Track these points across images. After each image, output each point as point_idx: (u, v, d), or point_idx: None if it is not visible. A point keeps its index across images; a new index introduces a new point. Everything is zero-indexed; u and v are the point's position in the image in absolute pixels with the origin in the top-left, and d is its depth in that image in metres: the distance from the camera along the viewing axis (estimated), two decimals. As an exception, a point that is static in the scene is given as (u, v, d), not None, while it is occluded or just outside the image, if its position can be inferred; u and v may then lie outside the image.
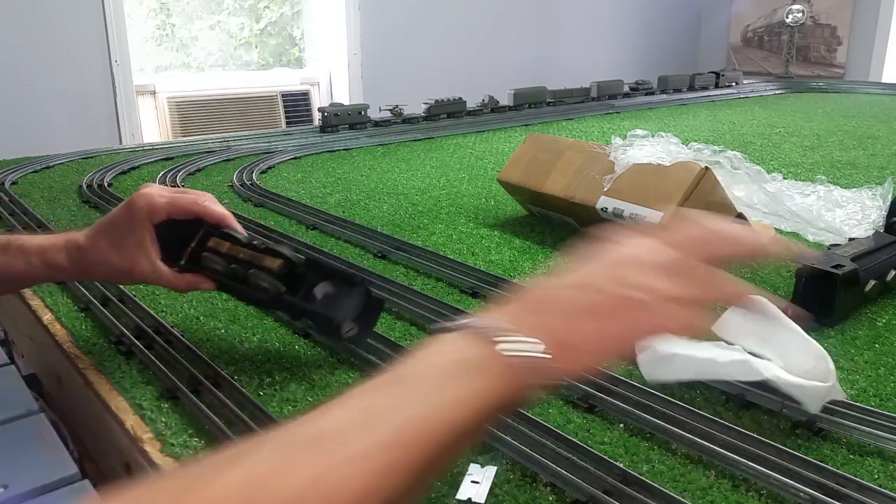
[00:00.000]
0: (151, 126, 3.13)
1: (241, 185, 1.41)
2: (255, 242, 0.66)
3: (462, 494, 0.49)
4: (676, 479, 0.52)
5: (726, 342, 0.64)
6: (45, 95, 2.75)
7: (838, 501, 0.48)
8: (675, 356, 0.62)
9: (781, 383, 0.56)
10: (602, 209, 0.98)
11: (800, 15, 4.58)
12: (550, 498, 0.49)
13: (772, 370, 0.56)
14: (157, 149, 1.82)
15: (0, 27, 2.61)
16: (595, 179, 1.01)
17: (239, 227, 0.69)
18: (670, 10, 5.06)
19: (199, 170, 1.58)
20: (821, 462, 0.51)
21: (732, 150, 1.10)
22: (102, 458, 0.68)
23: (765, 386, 0.58)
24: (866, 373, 0.67)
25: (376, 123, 2.19)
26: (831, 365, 0.55)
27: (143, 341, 0.72)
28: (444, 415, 0.34)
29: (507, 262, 0.99)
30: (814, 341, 0.57)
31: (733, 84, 3.37)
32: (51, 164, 1.61)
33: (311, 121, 3.46)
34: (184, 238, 0.68)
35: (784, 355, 0.58)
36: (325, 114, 2.08)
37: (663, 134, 1.09)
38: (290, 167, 1.64)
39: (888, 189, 1.15)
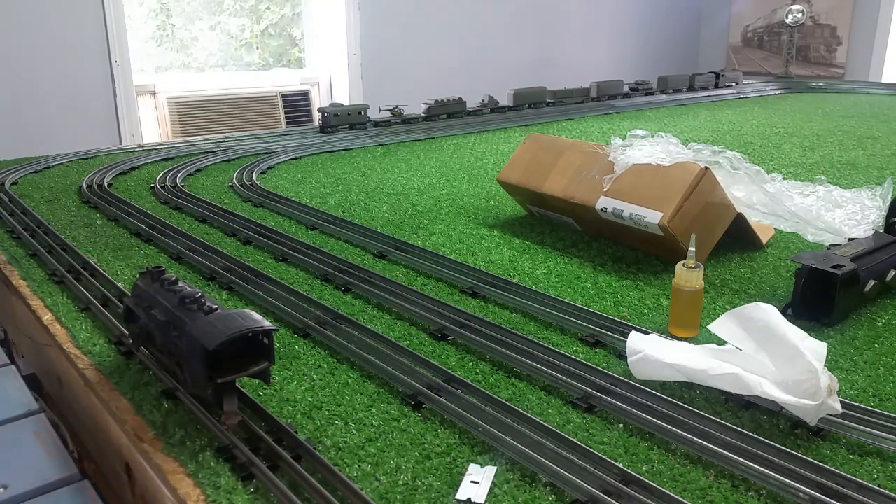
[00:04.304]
0: (151, 126, 3.12)
1: (241, 186, 1.41)
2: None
3: (462, 494, 0.49)
4: (676, 479, 0.52)
5: (721, 341, 0.64)
6: (45, 95, 2.75)
7: (838, 501, 0.48)
8: (666, 365, 0.62)
9: (771, 398, 0.56)
10: (602, 209, 0.98)
11: (800, 15, 4.58)
12: (550, 498, 0.49)
13: (762, 386, 0.56)
14: (157, 149, 1.82)
15: (0, 27, 2.61)
16: (595, 179, 1.01)
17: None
18: (670, 10, 5.06)
19: (199, 170, 1.58)
20: (821, 462, 0.52)
21: (732, 150, 1.10)
22: (102, 458, 0.68)
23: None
24: (866, 373, 0.67)
25: (376, 123, 2.20)
26: (823, 382, 0.54)
27: (143, 341, 0.72)
28: None
29: (507, 262, 0.99)
30: (809, 356, 0.56)
31: (733, 84, 3.37)
32: (51, 164, 1.61)
33: (311, 121, 3.46)
34: None
35: (776, 364, 0.58)
36: (325, 114, 2.08)
37: (663, 134, 1.09)
38: (290, 167, 1.64)
39: (888, 189, 1.16)
